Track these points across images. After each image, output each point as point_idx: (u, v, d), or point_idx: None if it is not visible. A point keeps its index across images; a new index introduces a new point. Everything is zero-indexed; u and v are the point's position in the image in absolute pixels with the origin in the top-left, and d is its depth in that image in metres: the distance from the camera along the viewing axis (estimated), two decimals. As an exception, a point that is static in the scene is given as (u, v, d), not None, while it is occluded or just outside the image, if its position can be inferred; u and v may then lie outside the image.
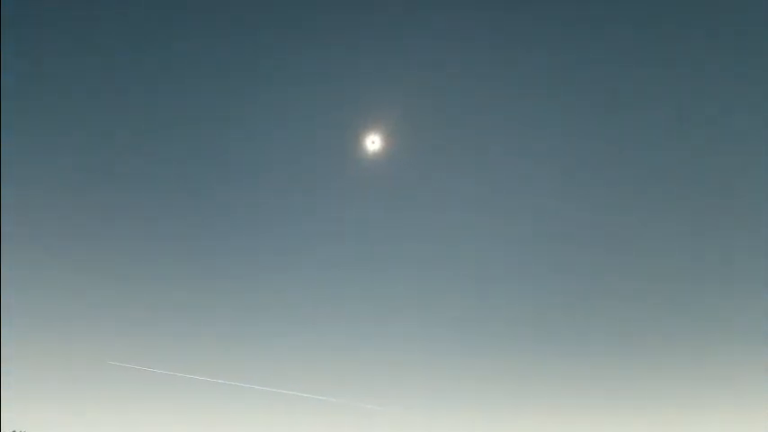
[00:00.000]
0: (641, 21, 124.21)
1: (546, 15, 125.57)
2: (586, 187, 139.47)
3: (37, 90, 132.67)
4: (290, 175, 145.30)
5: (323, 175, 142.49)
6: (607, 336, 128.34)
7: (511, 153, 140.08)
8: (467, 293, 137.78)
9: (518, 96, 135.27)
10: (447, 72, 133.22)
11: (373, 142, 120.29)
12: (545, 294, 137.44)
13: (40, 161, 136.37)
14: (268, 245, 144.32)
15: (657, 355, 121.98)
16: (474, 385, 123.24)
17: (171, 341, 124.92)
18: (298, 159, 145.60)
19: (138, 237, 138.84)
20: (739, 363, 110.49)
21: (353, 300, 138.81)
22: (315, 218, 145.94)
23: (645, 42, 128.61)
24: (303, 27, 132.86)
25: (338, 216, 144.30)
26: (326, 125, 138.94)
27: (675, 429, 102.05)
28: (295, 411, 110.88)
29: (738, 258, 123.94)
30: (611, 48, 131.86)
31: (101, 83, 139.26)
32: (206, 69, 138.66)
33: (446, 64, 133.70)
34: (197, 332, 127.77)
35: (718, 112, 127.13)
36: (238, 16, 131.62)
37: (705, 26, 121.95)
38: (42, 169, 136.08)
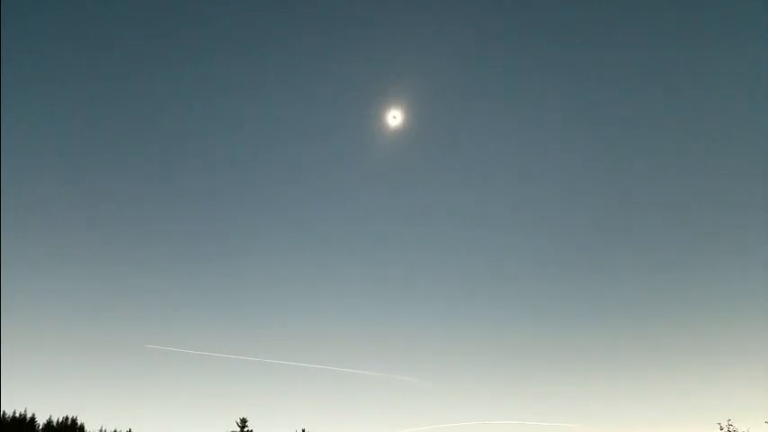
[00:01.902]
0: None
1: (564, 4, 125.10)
2: (601, 170, 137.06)
3: (38, 90, 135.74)
4: (314, 155, 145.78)
5: (347, 152, 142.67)
6: (629, 309, 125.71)
7: (529, 127, 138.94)
8: (493, 276, 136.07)
9: (533, 82, 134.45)
10: (466, 48, 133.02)
11: (395, 117, 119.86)
12: (568, 276, 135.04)
13: (67, 154, 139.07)
14: (298, 227, 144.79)
15: (662, 350, 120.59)
16: (497, 361, 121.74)
17: (205, 324, 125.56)
18: (321, 137, 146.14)
19: (168, 224, 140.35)
20: (740, 356, 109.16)
21: (385, 283, 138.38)
22: (346, 199, 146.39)
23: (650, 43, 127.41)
24: (326, 8, 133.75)
25: (370, 196, 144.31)
26: (349, 101, 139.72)
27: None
28: (330, 383, 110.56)
29: (738, 254, 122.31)
30: (617, 46, 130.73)
31: (104, 82, 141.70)
32: (220, 53, 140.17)
33: (466, 39, 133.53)
34: (232, 314, 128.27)
35: (717, 116, 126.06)
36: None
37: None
38: (71, 164, 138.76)
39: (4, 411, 71.66)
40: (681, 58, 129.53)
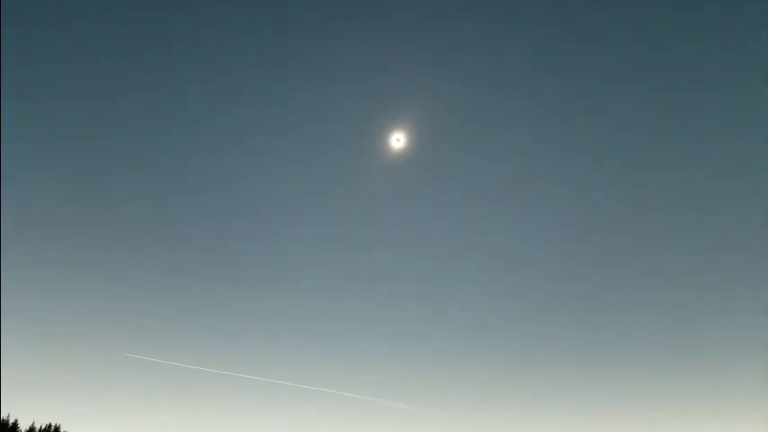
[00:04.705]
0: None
1: (566, 19, 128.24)
2: (601, 185, 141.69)
3: (40, 90, 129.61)
4: (315, 175, 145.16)
5: (348, 173, 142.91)
6: (612, 338, 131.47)
7: (528, 152, 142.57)
8: (488, 299, 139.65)
9: (537, 95, 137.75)
10: (469, 73, 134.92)
11: (398, 140, 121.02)
12: (565, 298, 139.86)
13: (54, 159, 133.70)
14: (290, 244, 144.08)
15: (659, 357, 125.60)
16: (490, 387, 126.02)
17: (188, 336, 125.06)
18: (323, 158, 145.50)
19: (157, 235, 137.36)
20: (739, 365, 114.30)
21: (379, 305, 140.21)
22: (343, 219, 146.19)
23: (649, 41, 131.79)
24: (329, 28, 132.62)
25: (367, 216, 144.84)
26: (353, 123, 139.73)
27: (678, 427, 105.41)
28: (313, 404, 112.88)
29: (738, 260, 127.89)
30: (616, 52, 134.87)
31: (114, 82, 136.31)
32: (225, 69, 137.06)
33: (469, 64, 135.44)
34: (217, 329, 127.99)
35: (719, 116, 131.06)
36: (263, 15, 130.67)
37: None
38: (59, 171, 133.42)
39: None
40: (683, 58, 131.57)
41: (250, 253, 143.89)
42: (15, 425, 74.13)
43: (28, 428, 74.76)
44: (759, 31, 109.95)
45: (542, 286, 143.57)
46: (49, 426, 76.59)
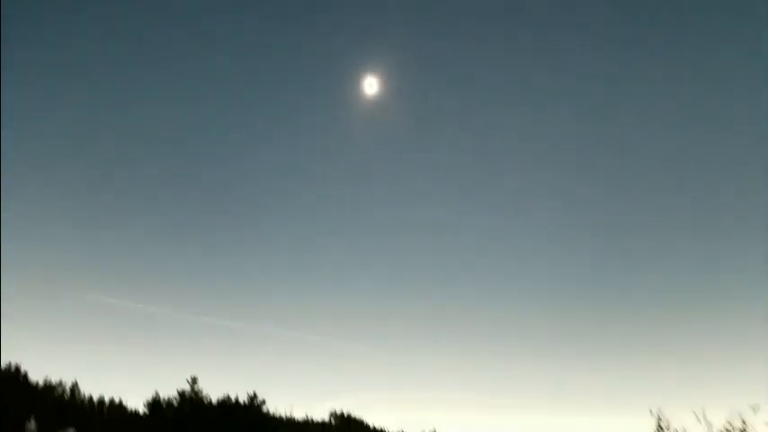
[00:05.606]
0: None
1: None
2: (590, 176, 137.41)
3: (40, 89, 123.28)
4: (289, 125, 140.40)
5: (321, 120, 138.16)
6: (611, 332, 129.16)
7: (510, 104, 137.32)
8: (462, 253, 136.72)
9: (518, 47, 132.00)
10: (444, 16, 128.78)
11: (371, 86, 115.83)
12: (561, 286, 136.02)
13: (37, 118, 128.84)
14: (262, 192, 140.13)
15: (659, 355, 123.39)
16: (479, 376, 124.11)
17: (158, 277, 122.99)
18: (296, 107, 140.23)
19: (132, 171, 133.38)
20: (738, 358, 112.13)
21: (355, 252, 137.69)
22: (317, 167, 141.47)
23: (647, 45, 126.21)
24: None
25: (340, 164, 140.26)
26: (324, 67, 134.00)
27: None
28: (275, 346, 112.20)
29: (737, 256, 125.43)
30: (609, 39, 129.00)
31: (113, 83, 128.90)
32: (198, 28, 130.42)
33: (443, 8, 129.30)
34: (170, 268, 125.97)
35: (722, 116, 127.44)
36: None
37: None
38: (59, 171, 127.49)
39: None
40: (683, 58, 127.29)
41: (213, 195, 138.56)
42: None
43: (-15, 368, 72.85)
44: (759, 31, 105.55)
45: (530, 242, 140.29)
46: (9, 366, 74.78)
